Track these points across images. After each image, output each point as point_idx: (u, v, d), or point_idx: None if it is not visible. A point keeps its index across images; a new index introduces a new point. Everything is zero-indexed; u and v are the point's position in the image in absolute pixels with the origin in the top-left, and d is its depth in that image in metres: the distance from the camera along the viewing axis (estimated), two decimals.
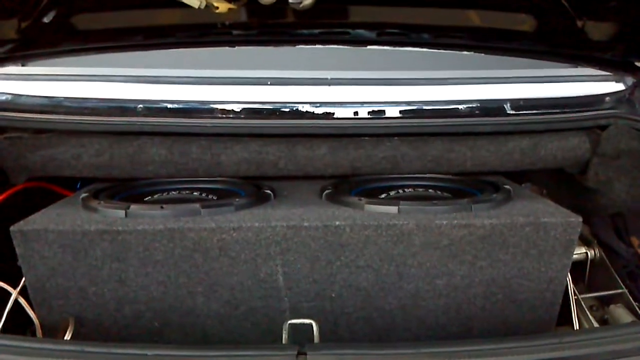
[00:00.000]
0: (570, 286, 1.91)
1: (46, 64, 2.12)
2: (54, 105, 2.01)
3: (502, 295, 1.83)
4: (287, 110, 2.02)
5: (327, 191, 2.02)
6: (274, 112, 2.02)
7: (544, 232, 1.76)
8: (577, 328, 1.91)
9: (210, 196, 2.06)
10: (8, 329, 1.79)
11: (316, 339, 1.59)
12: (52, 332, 1.81)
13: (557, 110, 2.11)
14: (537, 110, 2.08)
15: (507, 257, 1.78)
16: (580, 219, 1.77)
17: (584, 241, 2.21)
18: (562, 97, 2.14)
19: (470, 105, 2.04)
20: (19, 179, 2.16)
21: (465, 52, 2.22)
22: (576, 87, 2.14)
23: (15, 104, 2.03)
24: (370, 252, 1.76)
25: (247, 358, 1.31)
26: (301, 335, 1.62)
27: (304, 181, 2.21)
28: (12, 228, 1.72)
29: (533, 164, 2.22)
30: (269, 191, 2.03)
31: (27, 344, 1.35)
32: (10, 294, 1.83)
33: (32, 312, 1.82)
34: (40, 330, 1.82)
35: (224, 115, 2.01)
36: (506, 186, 2.04)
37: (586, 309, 1.98)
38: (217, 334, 1.85)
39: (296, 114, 2.01)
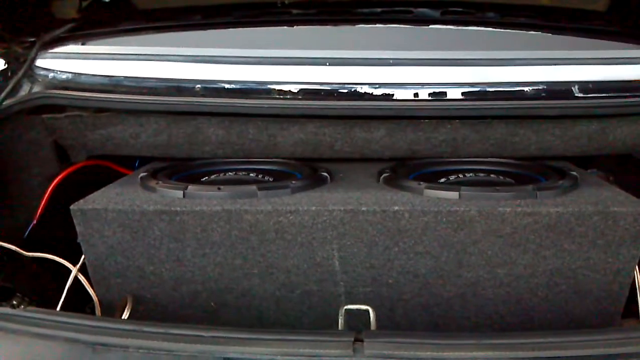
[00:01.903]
0: (638, 278, 1.82)
1: (106, 43, 2.13)
2: (113, 84, 2.02)
3: (566, 286, 1.77)
4: (345, 91, 1.98)
5: (385, 175, 1.98)
6: (332, 93, 1.99)
7: (613, 221, 1.68)
8: None
9: (266, 178, 2.04)
10: (67, 305, 1.83)
11: (373, 325, 1.56)
12: (110, 309, 1.84)
13: (628, 94, 2.01)
14: (606, 93, 1.99)
15: (573, 247, 1.71)
16: None
17: None
18: (632, 80, 2.04)
19: (536, 87, 1.96)
20: (79, 157, 2.21)
21: (532, 32, 2.14)
22: None
23: (75, 82, 2.05)
24: (430, 239, 1.72)
25: (303, 342, 1.30)
26: (357, 321, 1.60)
27: (360, 163, 2.18)
28: (72, 207, 1.75)
29: (600, 150, 2.14)
30: (325, 174, 2.00)
31: (87, 322, 1.37)
32: (70, 271, 1.86)
33: (91, 289, 1.86)
34: (99, 308, 1.86)
35: (281, 96, 1.99)
36: (573, 172, 1.96)
37: None
38: (273, 316, 1.85)
39: (354, 95, 1.97)
